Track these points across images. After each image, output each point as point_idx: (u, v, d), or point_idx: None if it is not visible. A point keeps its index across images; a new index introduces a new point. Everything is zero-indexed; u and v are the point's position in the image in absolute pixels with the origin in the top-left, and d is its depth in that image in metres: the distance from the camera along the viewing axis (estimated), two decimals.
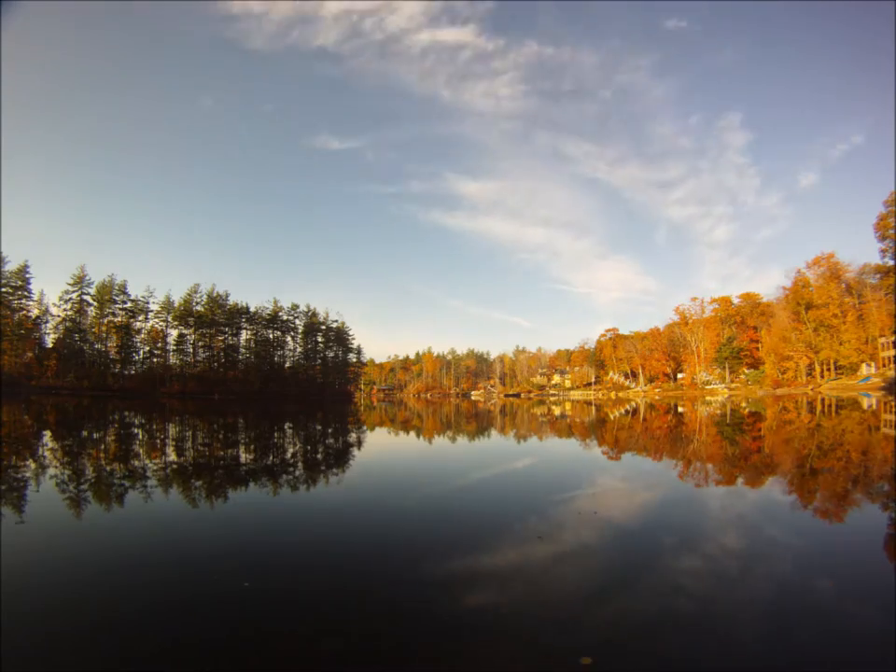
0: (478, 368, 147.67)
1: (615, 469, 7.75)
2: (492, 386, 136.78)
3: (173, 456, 8.68)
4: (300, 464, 8.01)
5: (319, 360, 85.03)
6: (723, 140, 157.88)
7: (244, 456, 8.99)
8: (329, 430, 15.71)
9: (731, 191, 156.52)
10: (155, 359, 70.31)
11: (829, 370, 58.74)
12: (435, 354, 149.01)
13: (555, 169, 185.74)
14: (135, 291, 72.11)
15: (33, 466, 7.10)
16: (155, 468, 7.16)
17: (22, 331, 59.67)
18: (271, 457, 8.79)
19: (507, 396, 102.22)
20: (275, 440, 12.50)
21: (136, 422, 17.45)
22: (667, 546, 3.55)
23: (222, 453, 9.37)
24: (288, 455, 9.37)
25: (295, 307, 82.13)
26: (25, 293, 61.04)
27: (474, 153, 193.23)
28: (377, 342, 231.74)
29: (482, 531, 3.94)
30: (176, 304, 71.01)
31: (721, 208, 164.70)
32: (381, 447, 11.54)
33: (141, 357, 70.04)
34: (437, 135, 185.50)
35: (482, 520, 4.32)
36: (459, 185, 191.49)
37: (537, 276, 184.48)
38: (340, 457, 8.90)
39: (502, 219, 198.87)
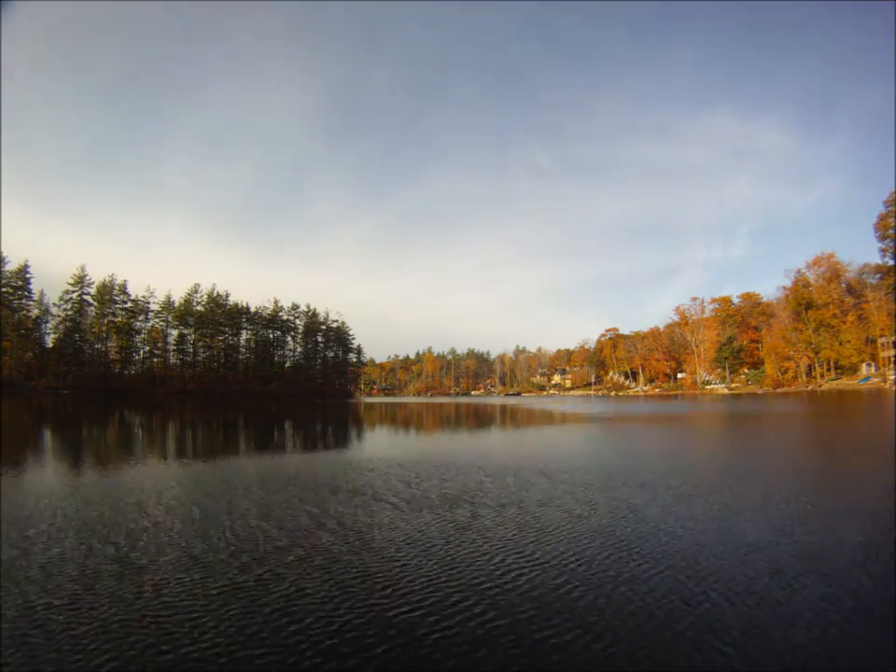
0: (478, 368, 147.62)
1: None
2: (492, 386, 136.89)
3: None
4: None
5: (319, 360, 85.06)
6: None
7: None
8: (331, 430, 15.73)
9: None
10: (155, 359, 70.33)
11: (829, 370, 58.74)
12: (435, 354, 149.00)
13: None
14: (135, 291, 72.00)
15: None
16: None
17: (22, 331, 59.68)
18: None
19: (507, 395, 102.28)
20: (277, 441, 12.50)
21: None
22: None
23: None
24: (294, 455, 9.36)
25: (295, 307, 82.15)
26: (25, 293, 61.05)
27: None
28: (377, 342, 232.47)
29: None
30: (177, 304, 71.02)
31: None
32: (376, 447, 11.56)
33: (141, 356, 70.05)
34: None
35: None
36: None
37: None
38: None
39: None
